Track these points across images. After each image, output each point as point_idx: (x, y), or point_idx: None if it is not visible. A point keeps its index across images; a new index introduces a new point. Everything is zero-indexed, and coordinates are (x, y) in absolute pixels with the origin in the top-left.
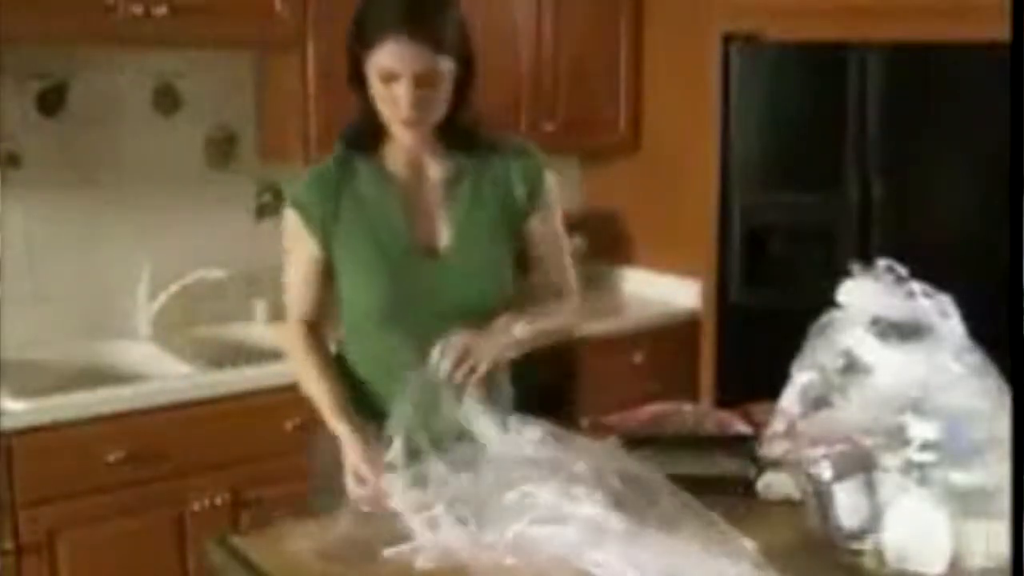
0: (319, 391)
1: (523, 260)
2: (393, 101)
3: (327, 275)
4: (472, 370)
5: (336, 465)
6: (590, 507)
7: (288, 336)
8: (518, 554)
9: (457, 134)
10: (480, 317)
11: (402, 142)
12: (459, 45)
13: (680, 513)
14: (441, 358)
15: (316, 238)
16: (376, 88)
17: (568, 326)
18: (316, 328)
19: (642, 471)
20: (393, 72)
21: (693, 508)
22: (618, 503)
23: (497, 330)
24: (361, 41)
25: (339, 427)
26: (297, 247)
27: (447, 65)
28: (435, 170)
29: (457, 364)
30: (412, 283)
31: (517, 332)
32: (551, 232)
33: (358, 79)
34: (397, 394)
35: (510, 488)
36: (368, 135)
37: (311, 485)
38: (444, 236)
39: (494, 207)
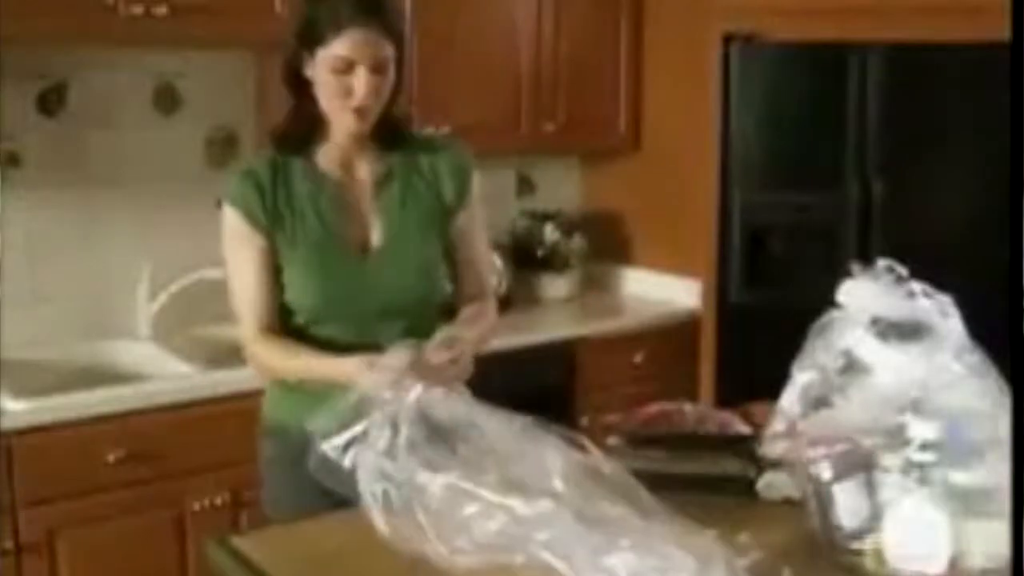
0: (307, 358)
1: (449, 265)
2: (346, 91)
3: (276, 271)
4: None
5: (285, 466)
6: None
7: (254, 344)
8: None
9: (389, 132)
10: (413, 314)
11: (348, 132)
12: (400, 31)
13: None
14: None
15: (260, 231)
16: (325, 82)
17: (491, 333)
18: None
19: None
20: (351, 61)
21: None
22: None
23: (443, 341)
24: (312, 37)
25: (344, 364)
26: (243, 247)
27: (392, 51)
28: (366, 169)
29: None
30: (346, 281)
31: (466, 341)
32: (476, 233)
33: (296, 80)
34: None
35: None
36: (302, 136)
37: (268, 495)
38: (376, 234)
39: (424, 205)
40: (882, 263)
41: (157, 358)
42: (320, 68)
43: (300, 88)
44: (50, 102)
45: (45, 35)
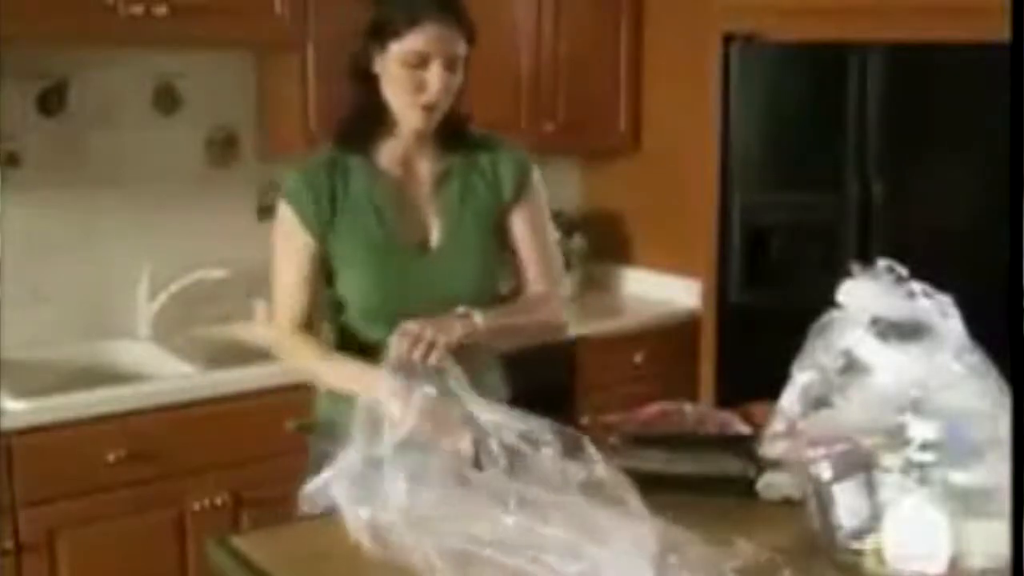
0: (336, 362)
1: (513, 261)
2: (418, 86)
3: (321, 272)
4: (429, 350)
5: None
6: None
7: (286, 339)
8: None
9: (450, 130)
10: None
11: (414, 128)
12: (473, 30)
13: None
14: (398, 342)
15: (311, 232)
16: (397, 76)
17: (549, 325)
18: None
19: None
20: (426, 55)
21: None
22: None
23: (456, 316)
24: (386, 30)
25: (374, 384)
26: (291, 243)
27: (464, 49)
28: (426, 167)
29: (412, 346)
30: (403, 279)
31: (478, 319)
32: (537, 228)
33: (363, 75)
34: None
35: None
36: (364, 132)
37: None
38: (435, 233)
39: (483, 203)
40: (882, 263)
41: (157, 358)
42: (392, 62)
43: (366, 84)
44: (50, 102)
45: (45, 35)
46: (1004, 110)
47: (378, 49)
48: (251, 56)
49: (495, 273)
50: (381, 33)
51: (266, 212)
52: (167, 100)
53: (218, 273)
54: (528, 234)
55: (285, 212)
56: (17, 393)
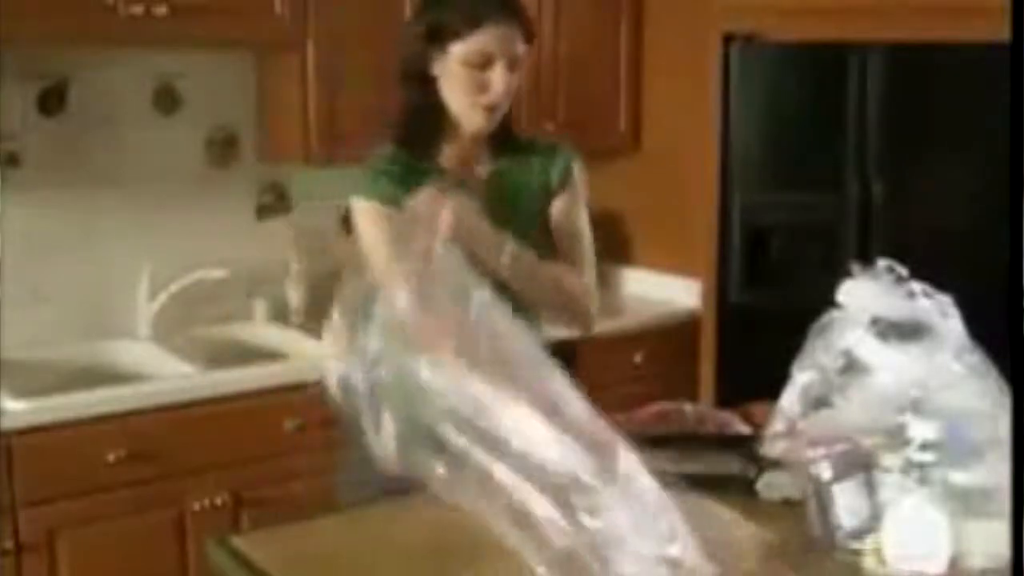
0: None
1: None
2: (480, 87)
3: None
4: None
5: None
6: None
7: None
8: None
9: (503, 132)
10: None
11: (475, 129)
12: (532, 31)
13: None
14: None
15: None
16: (459, 77)
17: (575, 301)
18: None
19: None
20: (489, 55)
21: None
22: None
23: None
24: (447, 31)
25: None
26: (385, 225)
27: (524, 50)
28: (480, 170)
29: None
30: None
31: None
32: (571, 218)
33: (420, 77)
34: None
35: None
36: (425, 134)
37: (342, 477)
38: None
39: (534, 204)
40: (882, 263)
41: (157, 358)
42: (453, 63)
43: (423, 86)
44: (50, 102)
45: (45, 35)
46: (1004, 110)
47: (438, 51)
48: (251, 56)
49: None
50: (441, 35)
51: (266, 212)
52: (167, 100)
53: (218, 273)
54: (562, 222)
55: (370, 207)
56: (17, 393)
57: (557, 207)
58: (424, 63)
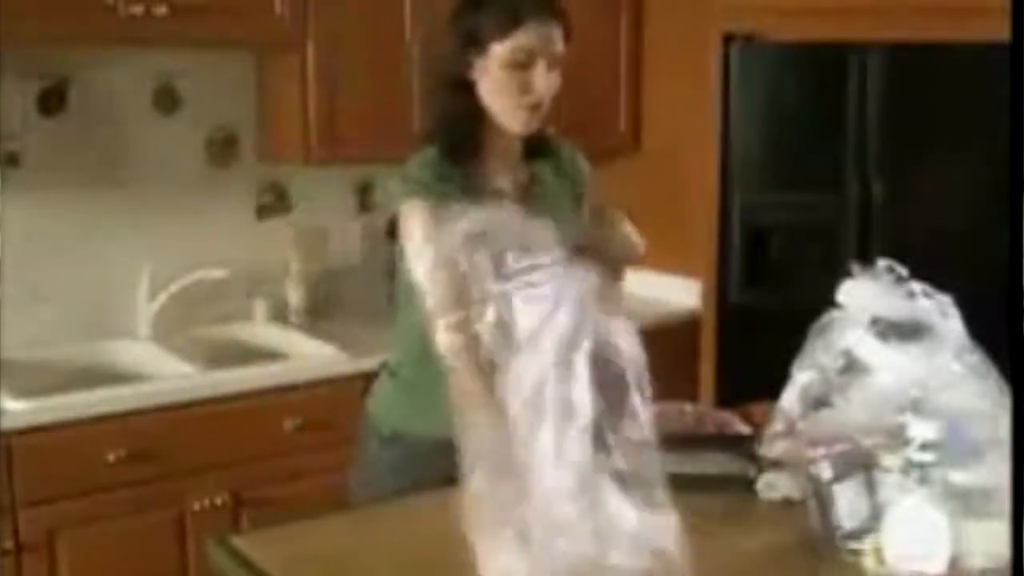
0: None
1: None
2: (522, 87)
3: None
4: None
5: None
6: None
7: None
8: None
9: (537, 135)
10: None
11: (518, 131)
12: (571, 30)
13: None
14: None
15: None
16: (500, 79)
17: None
18: None
19: None
20: (532, 53)
21: None
22: None
23: None
24: (487, 33)
25: None
26: (431, 223)
27: (563, 48)
28: (516, 174)
29: None
30: None
31: None
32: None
33: (459, 82)
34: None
35: None
36: (466, 141)
37: (358, 476)
38: None
39: (569, 204)
40: (882, 263)
41: (157, 358)
42: (494, 65)
43: (462, 92)
44: (50, 102)
45: (45, 35)
46: (1004, 110)
47: (477, 55)
48: (251, 56)
49: None
50: (481, 37)
51: (266, 212)
52: (167, 100)
53: (218, 273)
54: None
55: (419, 206)
56: (17, 393)
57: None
58: (463, 68)
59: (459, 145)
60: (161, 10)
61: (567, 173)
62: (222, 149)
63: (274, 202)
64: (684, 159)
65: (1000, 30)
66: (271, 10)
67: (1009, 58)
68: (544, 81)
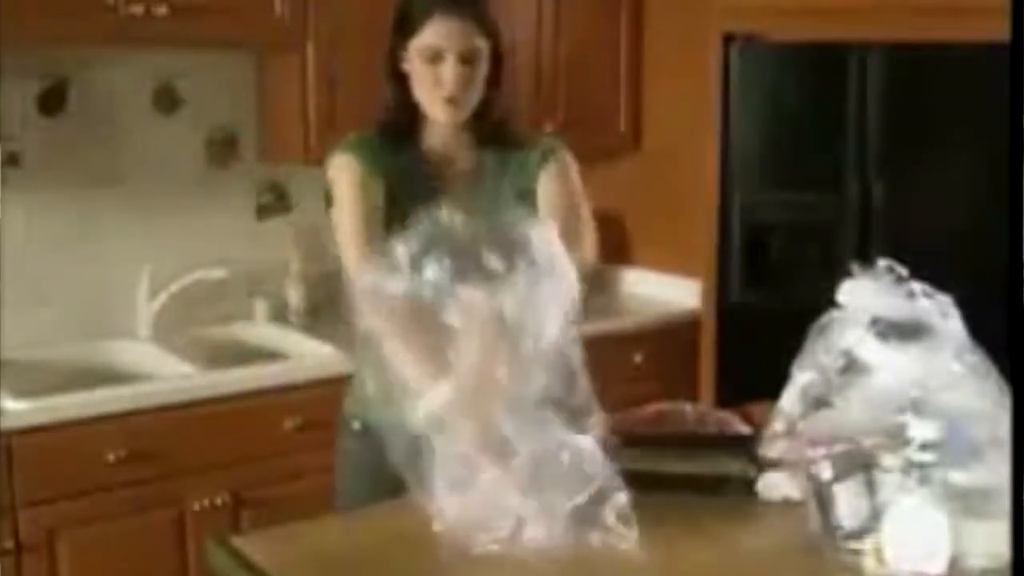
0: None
1: None
2: (436, 81)
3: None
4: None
5: (362, 467)
6: None
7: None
8: None
9: (487, 128)
10: None
11: (441, 123)
12: (493, 24)
13: None
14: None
15: (380, 180)
16: (419, 72)
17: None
18: None
19: None
20: (439, 49)
21: None
22: None
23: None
24: (406, 27)
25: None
26: (360, 181)
27: (484, 43)
28: (461, 164)
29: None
30: None
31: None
32: (560, 192)
33: (396, 72)
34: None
35: None
36: (405, 127)
37: (340, 485)
38: None
39: (512, 199)
40: (882, 263)
41: (157, 358)
42: (413, 59)
43: (399, 82)
44: (50, 102)
45: (45, 35)
46: (1004, 110)
47: (403, 46)
48: (251, 56)
49: None
50: (402, 30)
51: (266, 212)
52: (167, 100)
53: (218, 273)
54: (549, 196)
55: (349, 160)
56: (17, 393)
57: (542, 190)
58: (397, 59)
59: (396, 129)
60: (161, 10)
61: (512, 166)
62: (222, 149)
63: (274, 202)
64: (684, 159)
65: (1000, 30)
66: (271, 10)
67: (1009, 58)
68: (453, 76)
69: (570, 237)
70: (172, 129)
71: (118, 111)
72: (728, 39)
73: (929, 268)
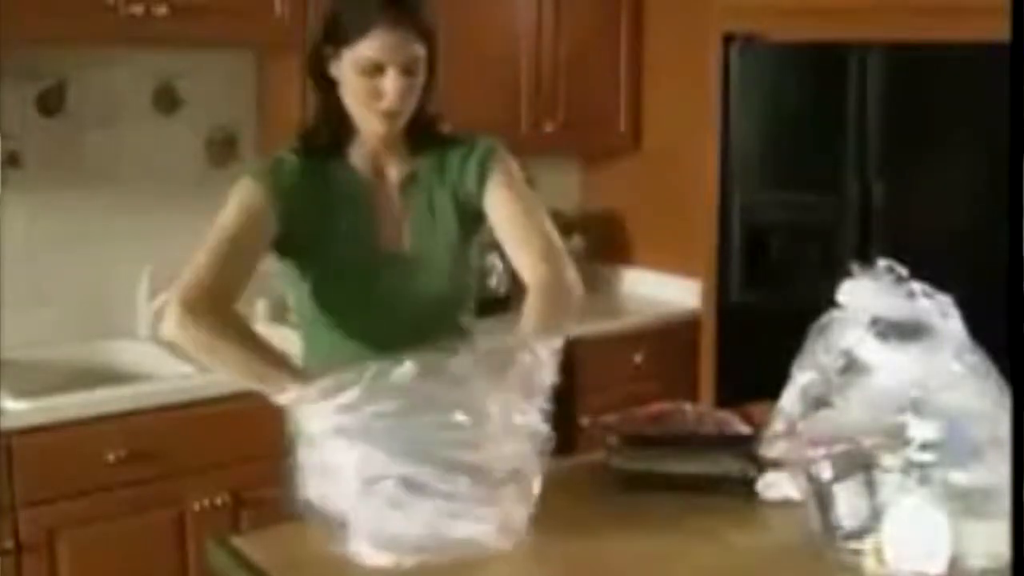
0: (255, 351)
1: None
2: (374, 93)
3: (262, 255)
4: None
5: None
6: None
7: (200, 318)
8: None
9: (418, 131)
10: (436, 319)
11: (377, 135)
12: (432, 27)
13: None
14: None
15: (276, 212)
16: (352, 83)
17: (573, 311)
18: (226, 307)
19: None
20: (379, 63)
21: None
22: None
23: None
24: (338, 37)
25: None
26: (248, 215)
27: (423, 50)
28: (393, 172)
29: None
30: (374, 285)
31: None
32: (515, 207)
33: (323, 80)
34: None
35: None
36: (332, 138)
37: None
38: (406, 237)
39: (450, 205)
40: (882, 263)
41: (157, 358)
42: (346, 68)
43: (326, 86)
44: (50, 102)
45: (45, 35)
46: (1004, 110)
47: (333, 54)
48: (251, 56)
49: (466, 278)
50: (334, 38)
51: None
52: (167, 100)
53: None
54: (506, 215)
55: (247, 188)
56: (17, 393)
57: (493, 208)
58: (323, 63)
59: (322, 138)
60: (161, 10)
61: (450, 174)
62: (222, 149)
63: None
64: (684, 159)
65: (1000, 30)
66: (271, 10)
67: (1009, 58)
68: (395, 88)
69: (551, 256)
70: (172, 129)
71: (118, 111)
72: (728, 39)
73: (929, 268)
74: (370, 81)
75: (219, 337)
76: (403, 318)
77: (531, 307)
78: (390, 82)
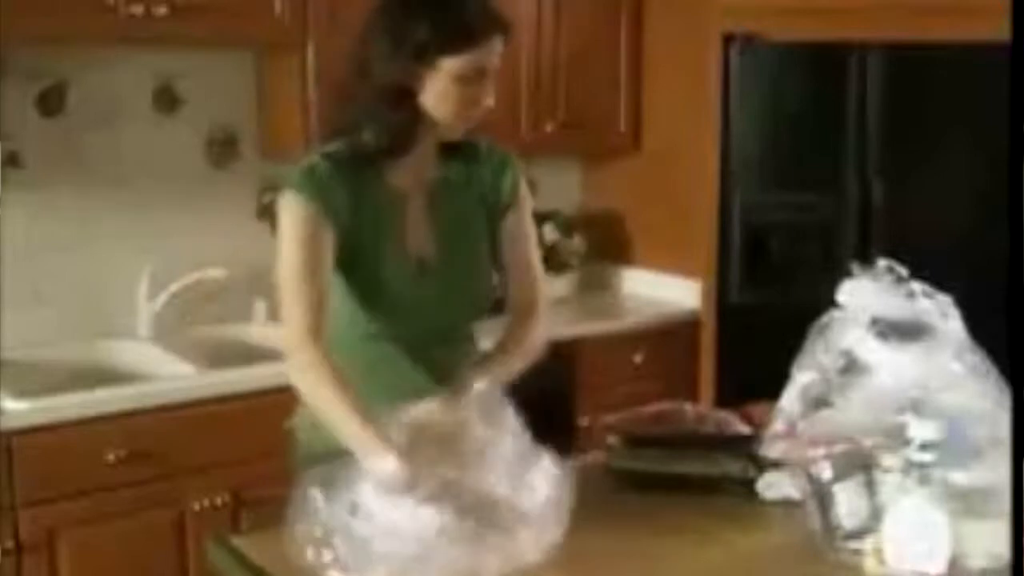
0: (348, 413)
1: (498, 268)
2: (471, 101)
3: (332, 266)
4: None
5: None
6: None
7: (310, 358)
8: None
9: (453, 141)
10: (459, 324)
11: (453, 138)
12: (509, 24)
13: None
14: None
15: (337, 224)
16: (450, 93)
17: (535, 352)
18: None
19: None
20: (483, 70)
21: None
22: None
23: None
24: (437, 47)
25: (373, 452)
26: (314, 237)
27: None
28: (427, 178)
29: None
30: (401, 295)
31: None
32: (527, 232)
33: (401, 91)
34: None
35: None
36: (391, 150)
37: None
38: (432, 247)
39: (477, 215)
40: (882, 263)
41: (157, 358)
42: (442, 78)
43: (404, 102)
44: (50, 102)
45: (45, 35)
46: (1004, 110)
47: (426, 67)
48: (251, 56)
49: (486, 289)
50: (430, 50)
51: (266, 212)
52: (167, 100)
53: (218, 273)
54: (519, 238)
55: (302, 205)
56: (17, 393)
57: (510, 227)
58: (407, 78)
59: (372, 150)
60: (161, 10)
61: (481, 184)
62: (222, 149)
63: (274, 202)
64: (684, 159)
65: (1000, 30)
66: (271, 10)
67: (1009, 58)
68: (491, 95)
69: (539, 287)
70: (172, 129)
71: (118, 111)
72: (728, 39)
73: (929, 268)
74: (468, 89)
75: (325, 391)
76: (421, 329)
77: (523, 331)
78: (488, 88)
